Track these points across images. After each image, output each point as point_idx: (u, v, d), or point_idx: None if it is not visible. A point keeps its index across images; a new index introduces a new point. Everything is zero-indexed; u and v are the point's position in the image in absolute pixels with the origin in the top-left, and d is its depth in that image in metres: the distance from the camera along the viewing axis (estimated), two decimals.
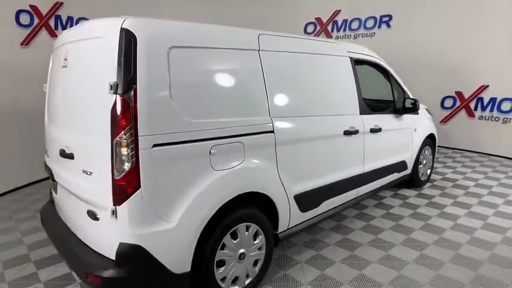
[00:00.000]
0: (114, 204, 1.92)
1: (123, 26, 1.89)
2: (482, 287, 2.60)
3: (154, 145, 1.93)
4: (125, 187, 1.90)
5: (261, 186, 2.50)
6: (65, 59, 2.32)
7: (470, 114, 6.65)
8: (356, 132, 3.32)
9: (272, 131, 2.54)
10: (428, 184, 4.95)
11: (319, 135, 2.97)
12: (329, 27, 8.05)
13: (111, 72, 1.87)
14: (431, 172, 5.05)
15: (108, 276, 1.96)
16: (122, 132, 1.86)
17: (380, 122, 3.67)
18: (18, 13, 5.15)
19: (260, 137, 2.47)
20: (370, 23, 7.63)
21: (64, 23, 5.79)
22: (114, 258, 1.99)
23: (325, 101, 3.12)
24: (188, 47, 2.12)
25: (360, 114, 3.41)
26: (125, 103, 1.85)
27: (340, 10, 7.87)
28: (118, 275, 1.96)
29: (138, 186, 1.91)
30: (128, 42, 1.87)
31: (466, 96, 6.64)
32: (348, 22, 7.87)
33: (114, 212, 1.92)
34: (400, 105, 4.08)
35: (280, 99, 2.65)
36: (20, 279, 2.83)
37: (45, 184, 5.29)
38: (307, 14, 8.09)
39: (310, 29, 8.22)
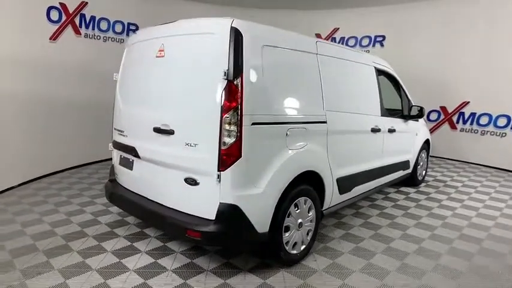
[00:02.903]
0: (219, 170, 2.32)
1: (232, 26, 2.33)
2: (485, 256, 3.20)
3: (253, 123, 2.37)
4: (229, 156, 2.31)
5: (318, 167, 2.98)
6: (161, 50, 2.71)
7: (453, 126, 7.52)
8: (379, 130, 3.90)
9: (325, 122, 3.05)
10: (423, 184, 5.62)
11: (355, 129, 3.53)
12: None
13: (222, 61, 2.30)
14: (425, 173, 5.74)
15: (208, 230, 2.35)
16: (231, 111, 2.29)
17: (394, 124, 4.29)
18: (49, 9, 5.40)
19: (318, 126, 2.98)
20: (365, 42, 8.43)
21: (87, 22, 6.06)
22: (209, 217, 2.39)
23: (359, 101, 3.69)
24: (275, 46, 2.60)
25: (381, 116, 4.01)
26: (234, 87, 2.29)
27: (338, 28, 8.63)
28: (216, 229, 2.35)
29: (239, 156, 2.33)
30: (237, 38, 2.32)
31: (450, 110, 7.52)
32: (345, 39, 8.63)
33: (218, 177, 2.32)
34: (407, 111, 4.73)
35: (330, 96, 3.16)
36: (87, 249, 3.10)
37: (58, 176, 5.45)
38: (308, 30, 8.75)
39: None
